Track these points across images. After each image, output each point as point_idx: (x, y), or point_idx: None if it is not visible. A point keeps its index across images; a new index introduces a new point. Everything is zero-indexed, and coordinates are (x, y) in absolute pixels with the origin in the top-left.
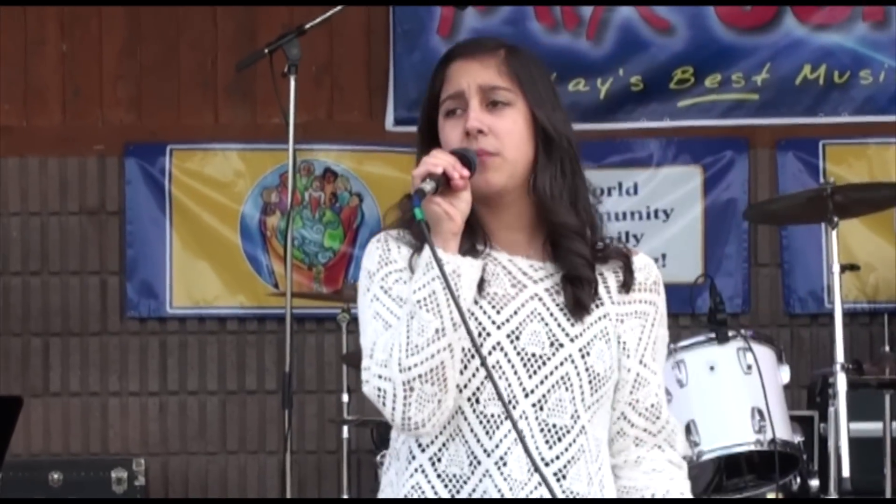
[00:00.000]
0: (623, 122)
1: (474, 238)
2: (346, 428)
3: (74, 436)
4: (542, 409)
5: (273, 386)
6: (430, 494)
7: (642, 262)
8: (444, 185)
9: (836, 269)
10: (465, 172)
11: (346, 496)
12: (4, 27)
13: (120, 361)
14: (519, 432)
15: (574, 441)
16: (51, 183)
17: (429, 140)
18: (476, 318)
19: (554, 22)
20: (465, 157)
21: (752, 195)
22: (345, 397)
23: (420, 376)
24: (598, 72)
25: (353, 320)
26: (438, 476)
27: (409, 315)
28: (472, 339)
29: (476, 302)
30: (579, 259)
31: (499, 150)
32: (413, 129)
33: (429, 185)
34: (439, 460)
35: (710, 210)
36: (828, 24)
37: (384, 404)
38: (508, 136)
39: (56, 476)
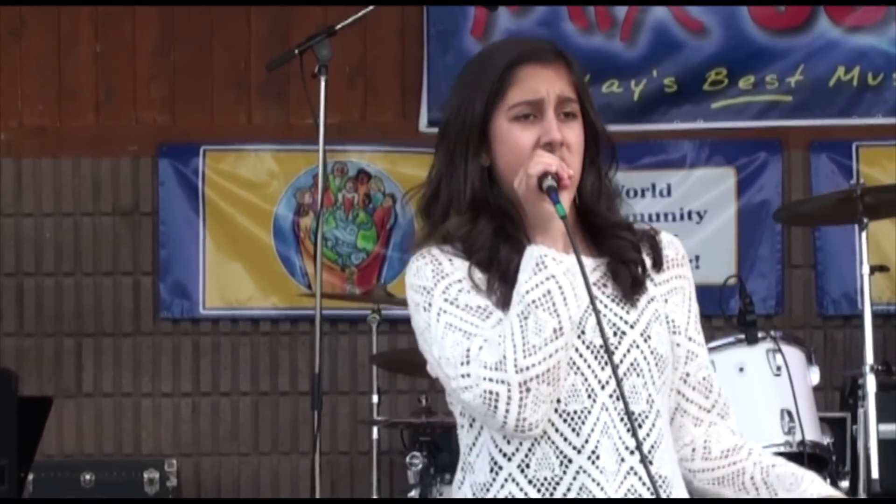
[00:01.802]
0: (657, 124)
1: (520, 244)
2: (375, 429)
3: (107, 436)
4: (618, 399)
5: (306, 387)
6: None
7: (668, 239)
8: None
9: (865, 270)
10: (572, 172)
11: (375, 497)
12: (38, 28)
13: (153, 362)
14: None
15: (654, 426)
16: (84, 183)
17: (477, 138)
18: None
19: (588, 23)
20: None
21: (786, 196)
22: (374, 398)
23: (538, 376)
24: (632, 73)
25: (384, 321)
26: (530, 482)
27: (522, 315)
28: (603, 335)
29: None
30: (624, 242)
31: (572, 163)
32: None
33: (554, 182)
34: (528, 466)
35: (743, 211)
36: (861, 26)
37: (496, 408)
38: (578, 149)
39: (88, 477)
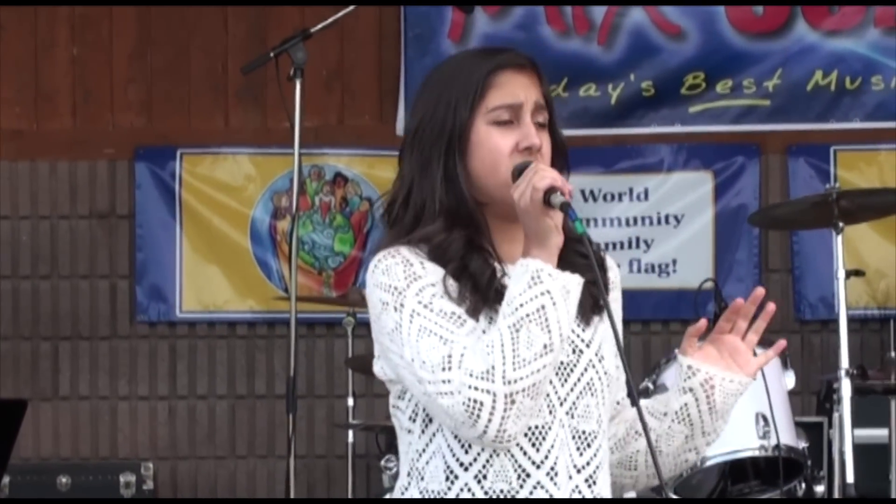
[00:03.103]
0: (634, 128)
1: (489, 255)
2: (351, 432)
3: (83, 440)
4: (573, 416)
5: (282, 390)
6: None
7: (610, 262)
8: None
9: (840, 274)
10: (571, 187)
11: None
12: (15, 30)
13: (129, 365)
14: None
15: (600, 446)
16: (61, 187)
17: (449, 142)
18: (570, 336)
19: (565, 27)
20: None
21: (763, 201)
22: (350, 401)
23: (524, 390)
24: (610, 77)
25: (360, 325)
26: (485, 493)
27: (514, 328)
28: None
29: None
30: (584, 260)
31: None
32: None
33: (563, 198)
34: (485, 477)
35: (720, 216)
36: (839, 30)
37: (478, 416)
38: (547, 156)
39: (65, 480)
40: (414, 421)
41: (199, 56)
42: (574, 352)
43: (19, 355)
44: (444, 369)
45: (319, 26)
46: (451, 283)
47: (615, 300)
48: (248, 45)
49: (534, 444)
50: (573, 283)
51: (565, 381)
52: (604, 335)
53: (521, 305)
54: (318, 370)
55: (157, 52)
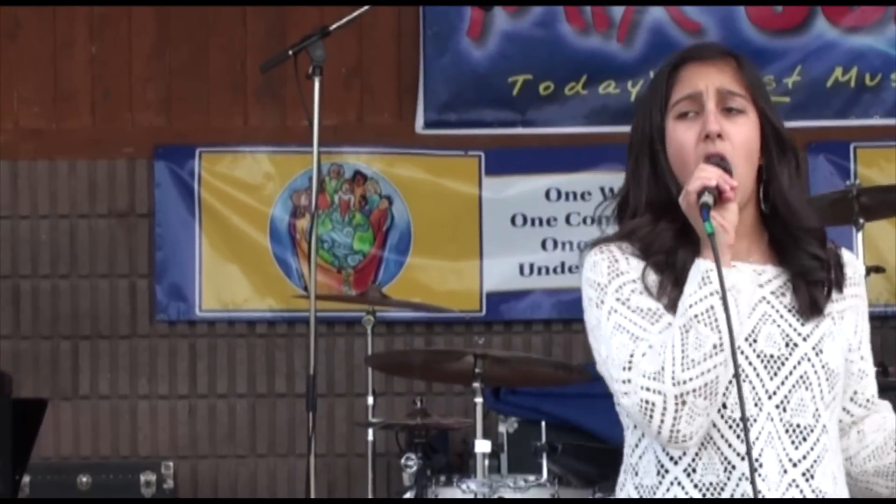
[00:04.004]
0: None
1: (698, 248)
2: (371, 431)
3: (104, 439)
4: (785, 409)
5: (303, 389)
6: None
7: (849, 258)
8: (717, 197)
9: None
10: (735, 183)
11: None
12: (33, 30)
13: (149, 364)
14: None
15: (818, 440)
16: (80, 185)
17: (651, 145)
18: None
19: (584, 24)
20: (723, 167)
21: None
22: (370, 400)
23: (694, 390)
24: (629, 74)
25: (380, 323)
26: (695, 486)
27: (684, 329)
28: (733, 351)
29: None
30: (815, 262)
31: (732, 159)
32: (443, 131)
33: (710, 199)
34: (694, 470)
35: None
36: (859, 27)
37: (651, 417)
38: (742, 145)
39: (85, 479)
40: (628, 417)
41: (218, 55)
42: (787, 345)
43: (39, 355)
44: (625, 369)
45: (338, 24)
46: (653, 276)
47: (856, 296)
48: (267, 44)
49: (739, 437)
50: (744, 282)
51: (775, 374)
52: (829, 330)
53: (691, 306)
54: (337, 368)
55: (175, 50)
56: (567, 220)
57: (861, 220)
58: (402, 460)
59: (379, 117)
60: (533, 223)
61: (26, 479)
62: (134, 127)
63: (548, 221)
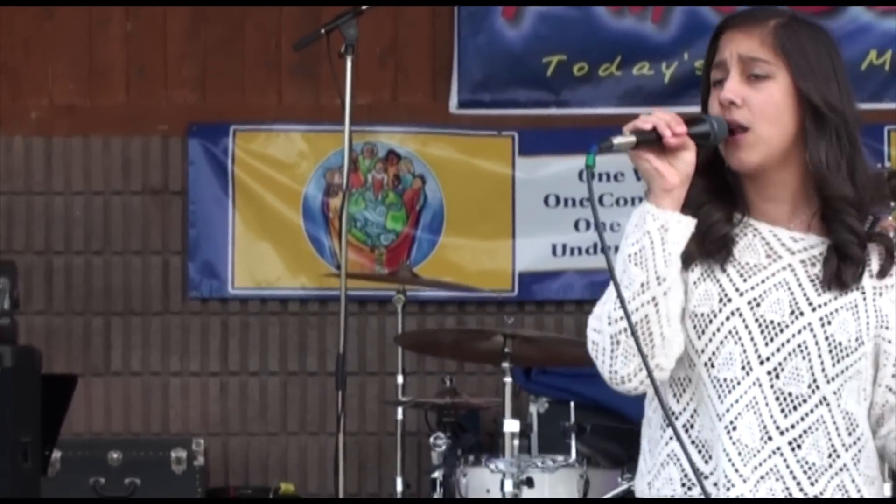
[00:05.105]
0: (687, 106)
1: (734, 207)
2: (401, 409)
3: (135, 415)
4: (777, 377)
5: (334, 368)
6: (685, 461)
7: None
8: (656, 142)
9: None
10: (680, 130)
11: (398, 479)
12: (69, 6)
13: (181, 342)
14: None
15: (812, 411)
16: (114, 162)
17: (703, 110)
18: (720, 285)
19: (619, 5)
20: (697, 121)
21: None
22: (400, 379)
23: (625, 329)
24: (663, 56)
25: (411, 302)
26: (692, 442)
27: (622, 270)
28: (608, 263)
29: (724, 269)
30: (852, 236)
31: (750, 123)
32: (477, 111)
33: (622, 140)
34: (692, 426)
35: None
36: (894, 10)
37: (596, 357)
38: (762, 110)
39: (115, 455)
40: None
41: (252, 32)
42: (792, 313)
43: (72, 331)
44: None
45: (371, 3)
46: None
47: None
48: (301, 22)
49: (720, 397)
50: (673, 222)
51: (771, 340)
52: (853, 304)
53: (630, 246)
54: (369, 347)
55: (210, 28)
56: (601, 200)
57: (893, 204)
58: (432, 439)
59: (413, 97)
60: (566, 203)
61: (57, 454)
62: (168, 104)
63: (581, 202)
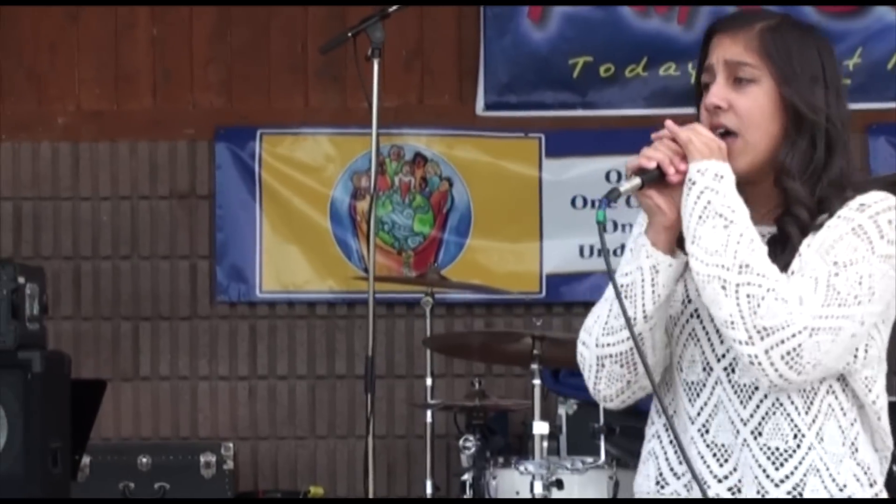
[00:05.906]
0: None
1: None
2: (429, 412)
3: (164, 420)
4: (733, 370)
5: (363, 370)
6: (661, 460)
7: (856, 202)
8: (659, 178)
9: None
10: (683, 167)
11: (428, 481)
12: (95, 11)
13: (209, 346)
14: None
15: (766, 396)
16: (141, 167)
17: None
18: (685, 285)
19: (645, 6)
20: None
21: None
22: (429, 381)
23: (610, 356)
24: (689, 56)
25: (439, 305)
26: (670, 442)
27: (615, 294)
28: (630, 328)
29: (690, 269)
30: (795, 229)
31: (738, 129)
32: (503, 113)
33: (627, 185)
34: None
35: None
36: None
37: (582, 369)
38: (748, 114)
39: (145, 460)
40: None
41: (278, 36)
42: None
43: (100, 336)
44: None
45: (397, 6)
46: None
47: (839, 216)
48: (327, 25)
49: (690, 400)
50: (664, 265)
51: (723, 340)
52: None
53: (622, 276)
54: (397, 350)
55: (236, 32)
56: (627, 202)
57: None
58: (461, 442)
59: (439, 99)
60: (593, 205)
61: (87, 459)
62: (195, 108)
63: (608, 203)
